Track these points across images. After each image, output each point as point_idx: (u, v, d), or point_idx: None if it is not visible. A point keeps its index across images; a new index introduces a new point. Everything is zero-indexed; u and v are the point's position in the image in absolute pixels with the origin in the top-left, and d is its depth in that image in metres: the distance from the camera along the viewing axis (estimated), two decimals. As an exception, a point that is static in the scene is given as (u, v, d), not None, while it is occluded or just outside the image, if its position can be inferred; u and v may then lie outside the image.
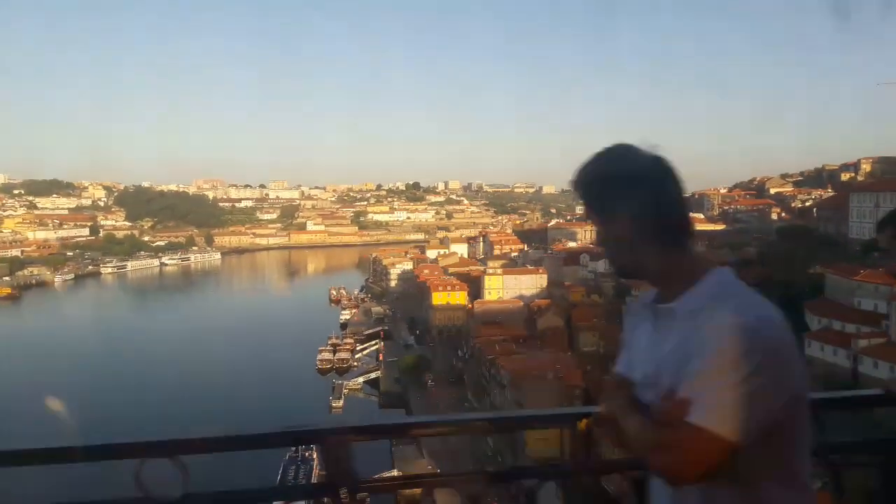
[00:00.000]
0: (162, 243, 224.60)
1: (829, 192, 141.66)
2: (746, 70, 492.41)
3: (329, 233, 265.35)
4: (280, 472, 56.70)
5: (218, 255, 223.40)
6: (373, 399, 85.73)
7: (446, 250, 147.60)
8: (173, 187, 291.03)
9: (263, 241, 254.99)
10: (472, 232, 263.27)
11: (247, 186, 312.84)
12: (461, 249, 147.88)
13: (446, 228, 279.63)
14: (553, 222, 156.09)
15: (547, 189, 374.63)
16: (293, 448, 60.99)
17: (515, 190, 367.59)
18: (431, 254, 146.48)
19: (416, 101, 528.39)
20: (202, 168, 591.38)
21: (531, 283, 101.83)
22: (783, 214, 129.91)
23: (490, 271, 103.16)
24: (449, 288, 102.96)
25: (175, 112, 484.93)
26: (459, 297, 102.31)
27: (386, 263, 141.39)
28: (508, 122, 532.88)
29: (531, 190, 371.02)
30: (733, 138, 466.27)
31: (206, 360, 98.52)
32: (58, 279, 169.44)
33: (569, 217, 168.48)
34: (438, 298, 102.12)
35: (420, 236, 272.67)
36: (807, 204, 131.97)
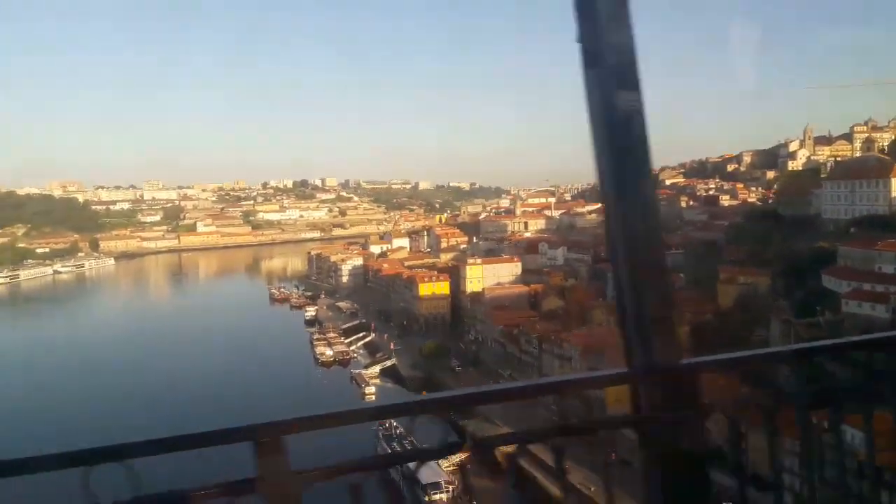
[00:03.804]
0: (45, 250, 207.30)
1: (720, 182, 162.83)
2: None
3: (221, 234, 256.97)
4: (380, 448, 60.67)
5: (111, 261, 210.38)
6: (388, 386, 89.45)
7: (389, 245, 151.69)
8: (35, 191, 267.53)
9: (152, 245, 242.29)
10: (368, 229, 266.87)
11: (118, 188, 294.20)
12: (402, 244, 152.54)
13: (342, 226, 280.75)
14: (483, 216, 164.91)
15: (423, 185, 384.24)
16: (381, 425, 65.11)
17: (392, 186, 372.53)
18: (375, 249, 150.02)
19: (285, 98, 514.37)
20: (54, 169, 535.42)
21: (508, 271, 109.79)
22: (691, 202, 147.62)
23: (471, 262, 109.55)
24: (434, 279, 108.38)
25: (19, 109, 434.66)
26: (444, 288, 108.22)
27: (335, 260, 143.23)
28: (381, 120, 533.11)
29: (408, 186, 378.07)
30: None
31: (196, 363, 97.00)
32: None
33: (494, 209, 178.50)
34: (424, 289, 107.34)
35: (315, 234, 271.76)
36: (710, 192, 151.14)
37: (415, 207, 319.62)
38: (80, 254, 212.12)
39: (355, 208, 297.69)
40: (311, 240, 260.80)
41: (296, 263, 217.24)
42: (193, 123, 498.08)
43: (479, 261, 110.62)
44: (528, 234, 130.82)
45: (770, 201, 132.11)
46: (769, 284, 72.25)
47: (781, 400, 2.72)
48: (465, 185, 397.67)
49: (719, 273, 77.07)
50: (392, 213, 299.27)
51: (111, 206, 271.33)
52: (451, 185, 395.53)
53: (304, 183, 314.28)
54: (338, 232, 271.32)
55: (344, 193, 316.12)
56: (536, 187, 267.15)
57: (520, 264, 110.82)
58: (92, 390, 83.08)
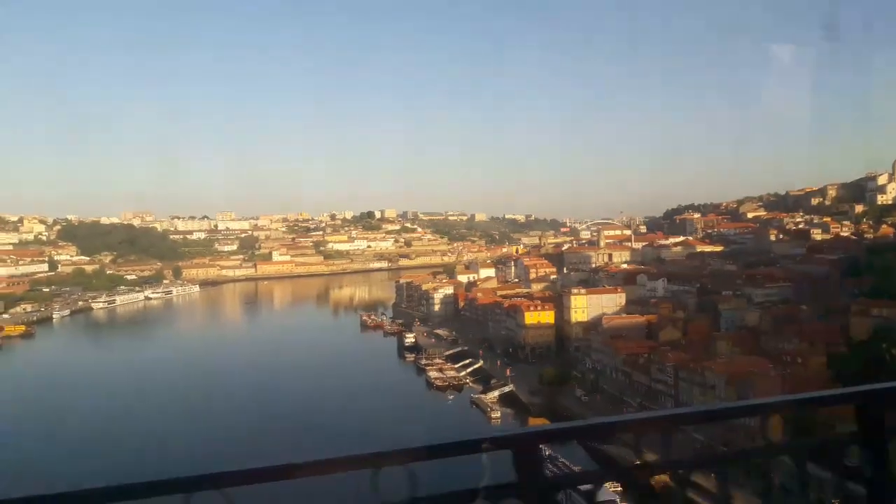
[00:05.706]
0: (133, 277, 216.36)
1: (807, 216, 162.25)
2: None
3: (296, 263, 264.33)
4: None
5: (196, 288, 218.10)
6: (508, 411, 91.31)
7: (476, 275, 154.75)
8: (116, 220, 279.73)
9: (230, 273, 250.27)
10: (433, 259, 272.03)
11: (192, 218, 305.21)
12: (488, 274, 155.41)
13: (407, 256, 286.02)
14: (566, 246, 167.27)
15: (479, 216, 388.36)
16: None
17: (449, 217, 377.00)
18: (462, 278, 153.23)
19: (347, 131, 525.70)
20: (126, 199, 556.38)
21: (611, 302, 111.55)
22: (781, 236, 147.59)
23: (574, 292, 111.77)
24: (538, 308, 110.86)
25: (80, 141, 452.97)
26: (548, 317, 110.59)
27: (426, 288, 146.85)
28: (442, 151, 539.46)
29: (464, 217, 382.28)
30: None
31: (312, 387, 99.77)
32: (56, 316, 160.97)
33: (578, 241, 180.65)
34: (530, 318, 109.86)
35: (383, 264, 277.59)
36: (799, 226, 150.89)
37: (475, 239, 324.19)
38: (164, 281, 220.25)
39: (419, 239, 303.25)
40: (379, 270, 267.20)
41: (363, 292, 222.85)
42: (266, 156, 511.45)
43: (583, 291, 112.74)
44: (624, 266, 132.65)
45: (865, 235, 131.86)
46: (907, 317, 72.85)
47: None
48: (521, 217, 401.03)
49: (850, 305, 78.00)
50: (455, 245, 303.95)
51: (188, 236, 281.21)
52: (506, 216, 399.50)
53: (368, 214, 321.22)
54: (404, 262, 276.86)
55: (407, 225, 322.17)
56: (591, 219, 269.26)
57: (624, 295, 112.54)
58: (223, 414, 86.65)
